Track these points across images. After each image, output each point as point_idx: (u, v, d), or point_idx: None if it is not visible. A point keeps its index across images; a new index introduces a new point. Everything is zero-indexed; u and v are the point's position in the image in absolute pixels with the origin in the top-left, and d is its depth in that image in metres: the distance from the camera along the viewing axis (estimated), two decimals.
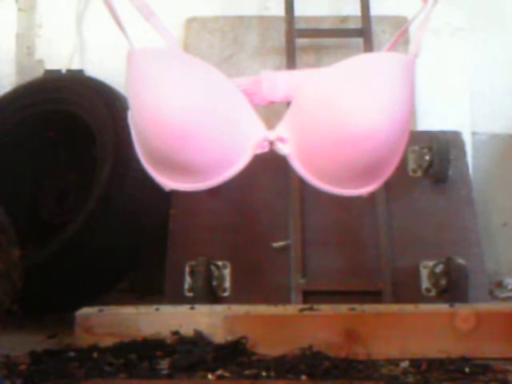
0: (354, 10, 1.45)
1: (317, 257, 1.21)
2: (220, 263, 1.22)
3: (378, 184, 0.69)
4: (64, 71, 1.47)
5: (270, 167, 1.17)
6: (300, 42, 1.42)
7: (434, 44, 1.49)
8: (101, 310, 1.01)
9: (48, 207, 1.43)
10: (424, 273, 1.21)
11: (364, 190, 0.69)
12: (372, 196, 1.13)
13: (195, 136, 0.63)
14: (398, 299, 1.16)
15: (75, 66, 1.51)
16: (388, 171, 0.68)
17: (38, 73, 1.49)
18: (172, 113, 0.62)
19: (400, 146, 0.67)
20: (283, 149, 0.66)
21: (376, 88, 0.63)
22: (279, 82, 0.70)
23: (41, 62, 1.54)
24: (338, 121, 0.63)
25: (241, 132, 0.65)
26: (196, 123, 0.62)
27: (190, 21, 1.54)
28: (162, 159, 0.66)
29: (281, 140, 0.66)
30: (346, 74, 0.64)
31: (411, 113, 0.66)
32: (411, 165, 1.30)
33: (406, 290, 1.18)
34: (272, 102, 0.70)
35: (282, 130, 0.66)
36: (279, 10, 1.45)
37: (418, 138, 1.30)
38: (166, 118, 0.62)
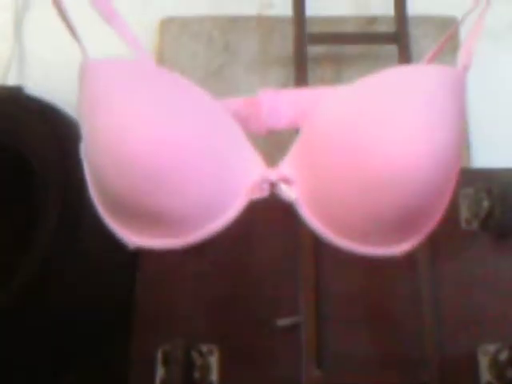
0: (386, 8, 1.46)
1: (336, 340, 1.20)
2: (204, 348, 1.21)
3: (417, 240, 0.69)
4: None
5: (272, 217, 1.17)
6: (313, 50, 1.43)
7: (491, 52, 1.50)
8: None
9: None
10: (483, 361, 1.20)
11: (397, 249, 0.69)
12: (410, 257, 1.12)
13: (170, 176, 0.63)
14: None
15: (11, 82, 1.52)
16: (430, 223, 0.68)
17: None
18: (139, 145, 0.62)
19: (447, 189, 0.67)
20: (288, 193, 0.67)
21: (413, 112, 0.63)
22: (283, 103, 0.71)
23: None
24: (361, 157, 0.63)
25: (232, 170, 0.66)
26: (171, 159, 0.62)
27: (166, 22, 1.54)
28: (125, 206, 0.66)
29: (285, 181, 0.66)
30: (372, 93, 0.65)
31: (462, 144, 0.66)
32: (464, 214, 1.30)
33: None
34: (273, 131, 0.72)
35: (287, 167, 0.66)
36: (286, 9, 1.44)
37: (472, 178, 1.30)
38: (131, 152, 0.62)
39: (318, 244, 1.20)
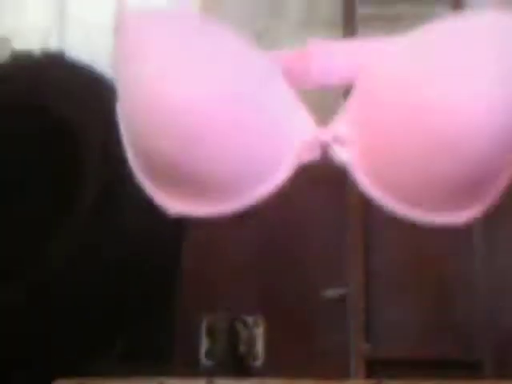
0: None
1: (385, 312, 1.23)
2: (250, 319, 1.21)
3: (482, 207, 0.65)
4: (38, 53, 1.48)
5: (321, 182, 1.14)
6: (363, 11, 1.42)
7: None
8: None
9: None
10: None
11: (460, 216, 0.65)
12: (464, 226, 1.12)
13: (214, 135, 0.60)
14: (502, 374, 1.13)
15: (53, 44, 1.51)
16: (497, 188, 0.65)
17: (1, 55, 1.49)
18: (181, 102, 0.59)
19: None
20: (342, 154, 0.63)
21: (481, 65, 0.59)
22: (336, 56, 0.67)
23: (5, 39, 1.55)
24: (425, 114, 0.59)
25: (281, 129, 0.62)
26: (216, 117, 0.60)
27: None
28: (165, 170, 0.63)
29: (339, 141, 0.63)
30: (434, 44, 0.61)
31: None
32: None
33: None
34: (325, 86, 0.68)
35: (341, 126, 0.63)
36: None
37: None
38: (172, 109, 0.59)
39: (370, 211, 1.19)
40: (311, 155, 0.64)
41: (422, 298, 1.24)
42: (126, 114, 0.63)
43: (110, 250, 1.20)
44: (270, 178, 0.63)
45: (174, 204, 0.66)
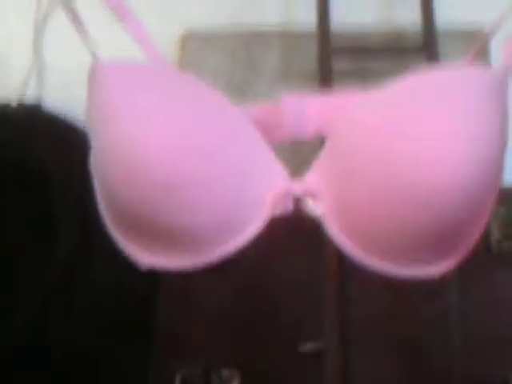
0: (412, 21, 1.45)
1: (362, 366, 1.18)
2: (225, 372, 1.19)
3: (455, 259, 0.65)
4: (15, 104, 1.47)
5: (295, 234, 1.12)
6: (338, 65, 1.40)
7: None
8: None
9: None
10: None
11: (434, 269, 0.65)
12: (437, 280, 1.11)
13: (186, 188, 0.59)
14: None
15: (30, 92, 1.50)
16: (469, 240, 0.64)
17: None
18: (155, 154, 0.58)
19: (486, 202, 0.63)
20: (314, 207, 0.63)
21: (452, 117, 0.59)
22: (308, 111, 0.67)
23: None
24: (396, 167, 0.59)
25: (253, 182, 0.62)
26: (187, 169, 0.59)
27: (187, 35, 1.53)
28: (137, 222, 0.62)
29: (311, 195, 0.63)
30: (404, 99, 0.61)
31: (504, 154, 0.62)
32: (495, 234, 1.26)
33: None
34: (298, 140, 0.68)
35: (313, 180, 0.63)
36: (309, 23, 1.43)
37: (506, 196, 1.27)
38: (145, 161, 0.58)
39: (346, 264, 1.17)
40: (284, 208, 0.63)
41: (402, 354, 1.21)
42: (98, 165, 0.63)
43: (82, 303, 1.18)
44: (242, 231, 0.63)
45: (145, 256, 0.65)
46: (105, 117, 0.60)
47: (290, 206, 0.63)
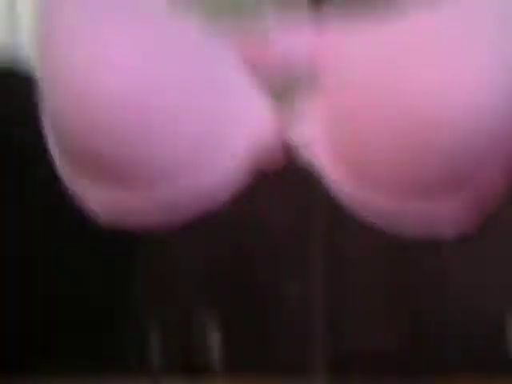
0: None
1: (351, 303, 1.14)
2: (204, 316, 1.16)
3: (461, 203, 0.62)
4: None
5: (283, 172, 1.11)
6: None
7: None
8: None
9: None
10: None
11: (432, 206, 0.61)
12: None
13: (145, 113, 0.54)
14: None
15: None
16: (482, 175, 0.62)
17: None
18: (114, 78, 0.53)
19: (504, 138, 0.59)
20: (302, 133, 0.61)
21: (474, 37, 0.55)
22: (301, 40, 0.61)
23: None
24: (398, 95, 0.56)
25: (232, 118, 0.58)
26: (151, 98, 0.54)
27: None
28: (89, 152, 0.58)
29: (302, 119, 0.60)
30: (416, 24, 0.55)
31: None
32: None
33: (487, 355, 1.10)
34: (287, 73, 0.62)
35: (304, 107, 0.60)
36: None
37: None
38: (101, 86, 0.53)
39: (332, 208, 1.14)
40: (266, 140, 0.61)
41: (390, 294, 1.19)
42: (47, 105, 0.58)
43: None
44: (211, 167, 0.61)
45: (96, 194, 0.63)
46: (55, 43, 0.56)
47: (275, 138, 0.61)
